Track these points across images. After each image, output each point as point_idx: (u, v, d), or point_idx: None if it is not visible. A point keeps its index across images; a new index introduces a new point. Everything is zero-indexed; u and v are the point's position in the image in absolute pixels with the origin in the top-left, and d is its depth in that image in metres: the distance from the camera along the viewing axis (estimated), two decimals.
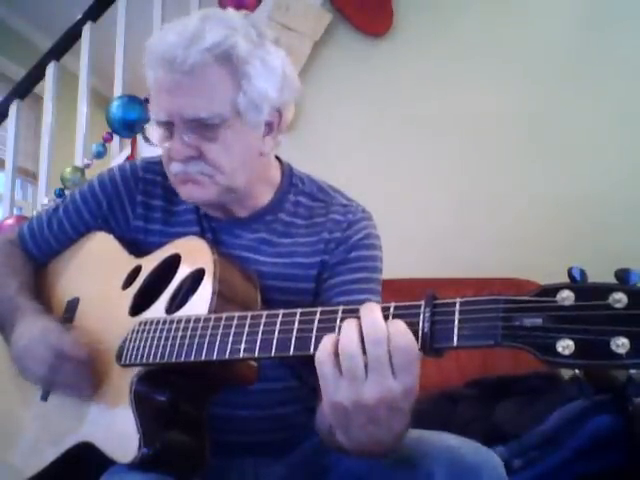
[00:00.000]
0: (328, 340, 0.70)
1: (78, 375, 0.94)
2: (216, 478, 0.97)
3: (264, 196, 1.11)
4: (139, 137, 2.58)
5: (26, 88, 2.96)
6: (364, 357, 0.68)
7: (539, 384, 1.81)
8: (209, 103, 0.97)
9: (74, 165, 2.69)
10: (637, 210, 2.39)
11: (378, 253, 1.11)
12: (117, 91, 2.72)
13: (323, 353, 0.70)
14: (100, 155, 2.68)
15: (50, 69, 2.86)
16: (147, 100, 2.56)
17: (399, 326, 0.67)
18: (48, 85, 2.86)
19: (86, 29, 2.80)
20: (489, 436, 1.55)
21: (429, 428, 0.94)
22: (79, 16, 2.80)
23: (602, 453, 1.53)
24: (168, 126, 1.00)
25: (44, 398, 1.02)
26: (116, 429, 0.87)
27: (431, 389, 1.88)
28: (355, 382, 0.68)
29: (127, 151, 2.65)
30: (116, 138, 2.71)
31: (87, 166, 2.69)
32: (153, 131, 1.03)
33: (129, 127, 2.57)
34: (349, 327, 0.69)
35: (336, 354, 0.69)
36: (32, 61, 2.96)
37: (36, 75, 2.92)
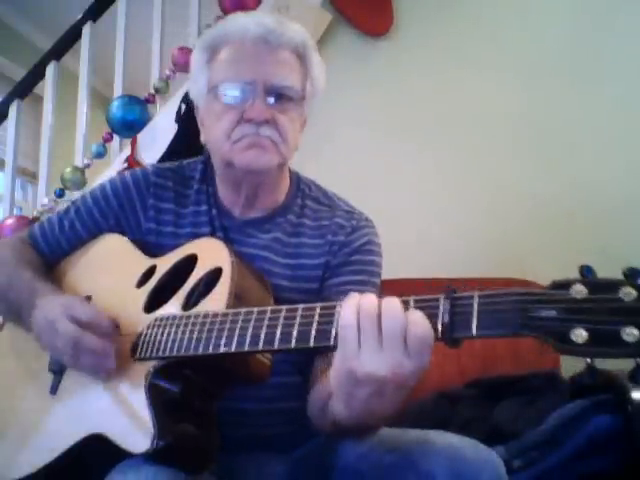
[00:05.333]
0: (353, 307, 0.72)
1: (100, 348, 0.92)
2: (221, 472, 0.98)
3: (280, 195, 1.17)
4: (139, 137, 2.58)
5: (26, 88, 2.95)
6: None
7: (539, 384, 1.81)
8: (292, 77, 1.09)
9: (74, 165, 2.68)
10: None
11: (378, 259, 1.16)
12: (117, 91, 2.72)
13: (349, 317, 0.72)
14: (100, 155, 2.68)
15: (50, 69, 2.85)
16: (147, 100, 2.56)
17: (417, 314, 0.70)
18: (48, 85, 2.86)
19: (86, 29, 2.80)
20: (489, 436, 1.55)
21: (429, 428, 0.94)
22: (79, 16, 2.80)
23: (602, 453, 1.52)
24: (248, 87, 1.05)
25: (53, 392, 1.02)
26: (130, 421, 0.87)
27: (431, 389, 1.88)
28: (373, 352, 0.70)
29: (127, 151, 2.64)
30: (116, 138, 2.70)
31: (87, 166, 2.68)
32: (225, 90, 1.07)
33: (129, 127, 2.56)
34: (370, 298, 0.72)
35: (359, 321, 0.72)
36: (32, 61, 2.95)
37: (36, 75, 2.91)
